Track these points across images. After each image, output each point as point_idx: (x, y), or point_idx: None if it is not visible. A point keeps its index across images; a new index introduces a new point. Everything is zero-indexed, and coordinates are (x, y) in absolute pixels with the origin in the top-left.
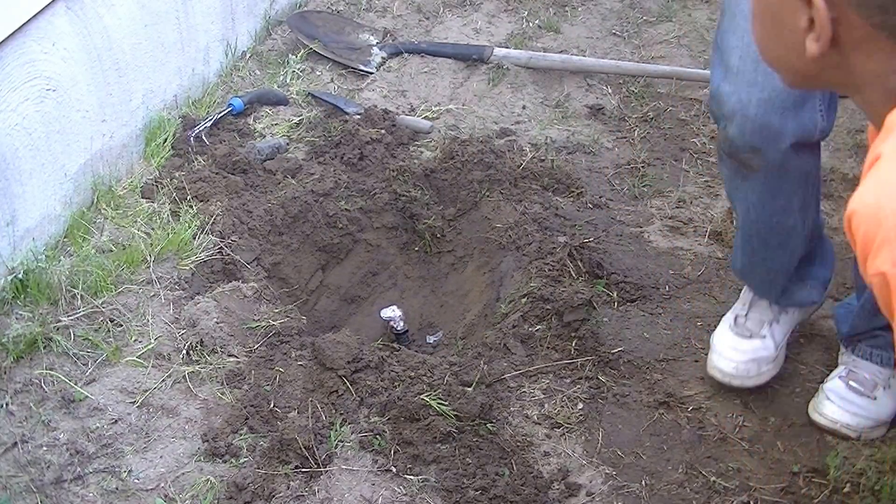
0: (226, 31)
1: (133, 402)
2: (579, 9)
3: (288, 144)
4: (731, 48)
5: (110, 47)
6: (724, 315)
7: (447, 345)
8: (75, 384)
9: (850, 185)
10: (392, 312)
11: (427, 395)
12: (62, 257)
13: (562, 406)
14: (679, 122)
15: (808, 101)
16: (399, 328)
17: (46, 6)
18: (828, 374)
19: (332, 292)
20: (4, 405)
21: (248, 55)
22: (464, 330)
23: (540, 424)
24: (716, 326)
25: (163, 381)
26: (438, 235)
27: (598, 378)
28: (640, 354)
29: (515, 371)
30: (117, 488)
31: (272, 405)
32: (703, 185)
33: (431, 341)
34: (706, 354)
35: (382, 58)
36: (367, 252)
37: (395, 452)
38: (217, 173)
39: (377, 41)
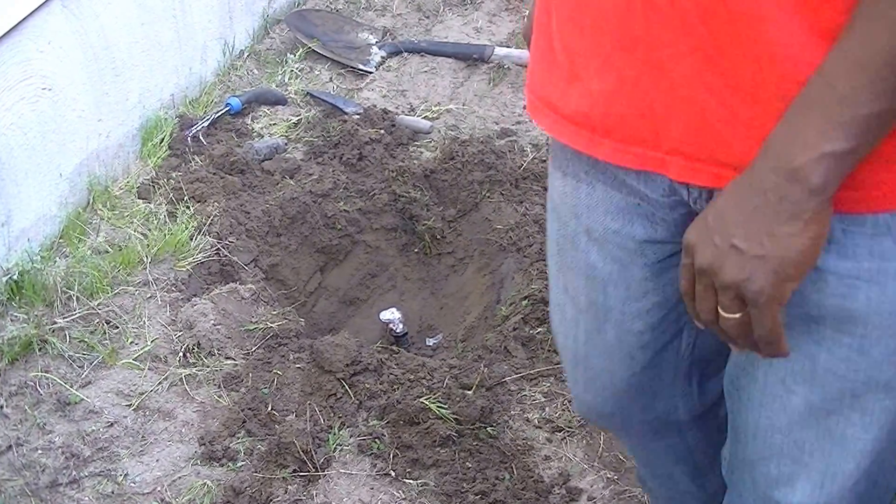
0: (223, 29)
1: (129, 405)
2: None
3: (286, 144)
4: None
5: (107, 46)
6: None
7: (447, 347)
8: (71, 387)
9: None
10: (391, 315)
11: (427, 399)
12: (58, 258)
13: (563, 409)
14: None
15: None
16: (398, 330)
17: (42, 4)
18: None
19: (331, 294)
20: None
21: (246, 54)
22: (464, 332)
23: (541, 428)
24: None
25: (159, 383)
26: (438, 237)
27: None
28: None
29: (516, 374)
30: (113, 492)
31: (270, 408)
32: None
33: (431, 344)
34: None
35: (382, 57)
36: (366, 253)
37: (394, 456)
38: (214, 173)
39: (377, 40)
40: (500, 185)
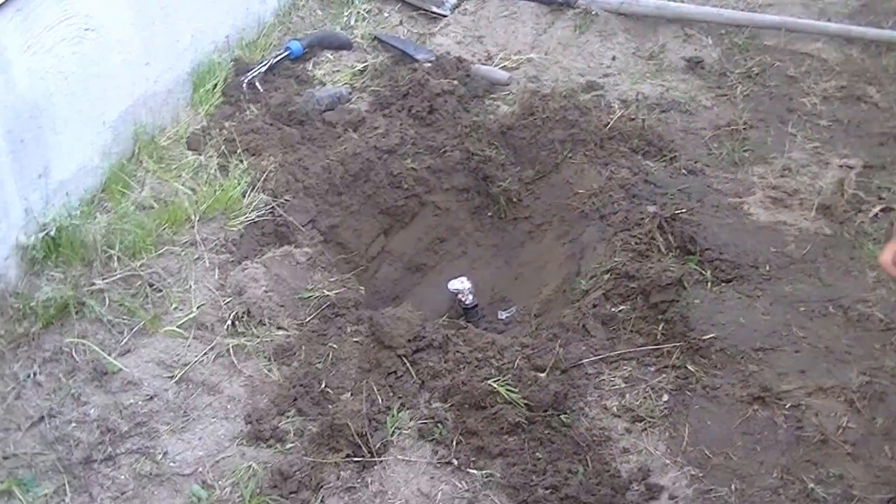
0: None
1: (171, 377)
2: None
3: (350, 94)
4: None
5: None
6: (831, 300)
7: (521, 322)
8: (109, 355)
9: None
10: (461, 284)
11: (495, 381)
12: (98, 214)
13: (645, 397)
14: (787, 80)
15: None
16: (468, 302)
17: None
18: None
19: (395, 259)
20: (32, 375)
21: None
22: (539, 306)
23: (619, 417)
24: (821, 313)
25: (204, 354)
26: (514, 200)
27: (686, 367)
28: (734, 342)
29: (594, 356)
30: (151, 472)
31: (323, 385)
32: (811, 151)
33: (503, 317)
34: (808, 344)
35: None
36: (434, 216)
37: (457, 443)
38: (271, 124)
39: None
40: (584, 144)
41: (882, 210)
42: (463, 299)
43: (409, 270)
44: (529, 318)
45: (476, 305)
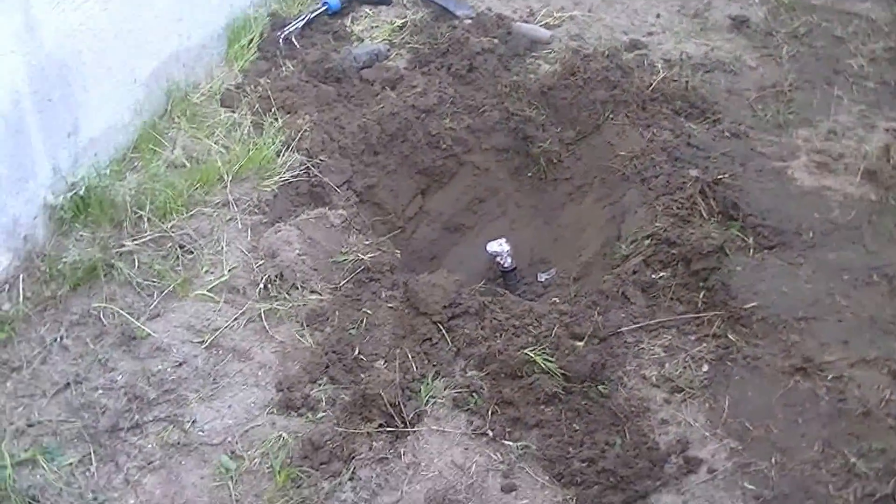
0: None
1: (201, 343)
2: None
3: (388, 51)
4: None
5: None
6: (876, 269)
7: (560, 285)
8: (137, 319)
9: None
10: (499, 247)
11: (532, 350)
12: (128, 173)
13: (684, 367)
14: (834, 40)
15: None
16: (507, 265)
17: None
18: None
19: (433, 220)
20: (59, 339)
21: None
22: (579, 270)
23: (658, 387)
24: (865, 281)
25: (235, 319)
26: (555, 161)
27: (727, 336)
28: (776, 311)
29: (634, 324)
30: (179, 441)
31: (357, 352)
32: (857, 114)
33: (543, 279)
34: (852, 313)
35: None
36: (473, 176)
37: (492, 413)
38: (307, 81)
39: None
40: (626, 105)
41: None
42: (501, 262)
43: (447, 231)
44: (569, 281)
45: (515, 268)
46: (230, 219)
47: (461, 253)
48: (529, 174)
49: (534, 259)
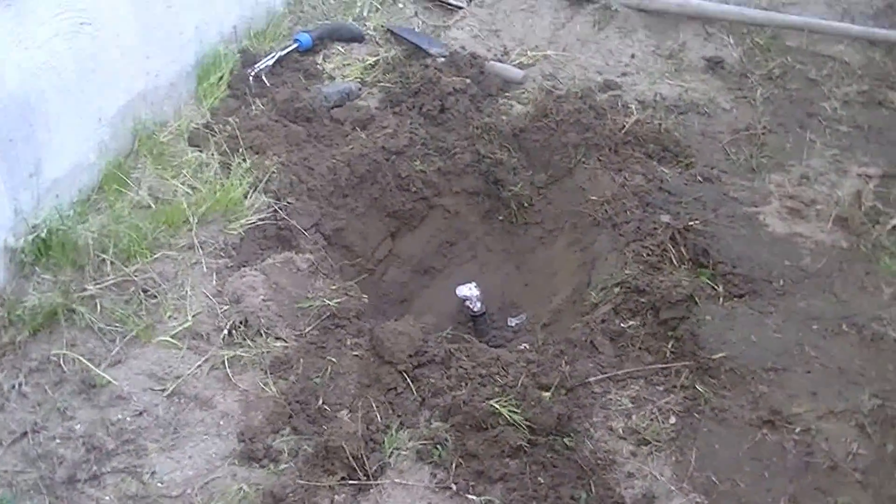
0: None
1: (162, 391)
2: None
3: (360, 90)
4: None
5: None
6: (845, 318)
7: (530, 330)
8: (98, 366)
9: None
10: (469, 291)
11: (497, 401)
12: (92, 214)
13: (651, 419)
14: (808, 83)
15: None
16: (476, 309)
17: None
18: None
19: (403, 263)
20: (17, 386)
21: None
22: (549, 315)
23: (625, 440)
24: (834, 331)
25: (198, 366)
26: (526, 204)
27: (695, 387)
28: (744, 362)
29: (601, 374)
30: (137, 493)
31: (321, 402)
32: (830, 159)
33: (513, 324)
34: (821, 364)
35: None
36: (443, 219)
37: (456, 466)
38: (277, 121)
39: None
40: (598, 149)
41: None
42: (471, 306)
43: (417, 274)
44: (539, 326)
45: (485, 313)
46: (195, 262)
47: (431, 296)
48: (500, 217)
49: (504, 303)
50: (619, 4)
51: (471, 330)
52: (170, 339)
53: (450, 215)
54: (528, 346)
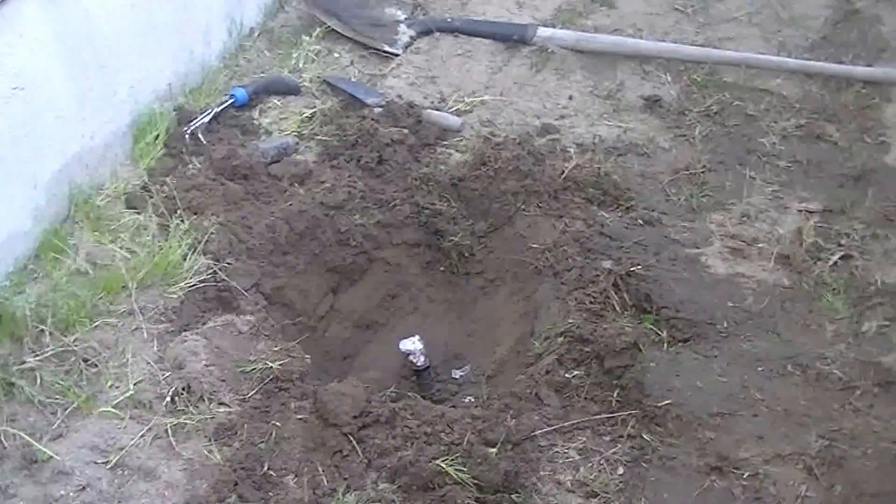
0: (230, 5)
1: (106, 463)
2: None
3: (297, 144)
4: None
5: (90, 34)
6: (790, 358)
7: (474, 383)
8: (39, 440)
9: None
10: (412, 345)
11: (444, 460)
12: (29, 284)
13: (599, 470)
14: (747, 119)
15: None
16: (420, 364)
17: None
18: None
19: (345, 318)
20: None
21: (256, 33)
22: (493, 367)
23: (574, 492)
24: (779, 373)
25: (141, 436)
26: (467, 254)
27: (641, 436)
28: (690, 408)
29: (548, 427)
30: None
31: (266, 467)
32: (770, 195)
33: (458, 376)
34: (766, 407)
35: (410, 37)
36: (384, 272)
37: None
38: (214, 179)
39: (405, 16)
40: (538, 195)
41: (841, 258)
42: (415, 360)
43: (359, 328)
44: (484, 378)
45: (429, 367)
46: (135, 328)
47: (375, 350)
48: (441, 268)
49: (448, 354)
50: (555, 46)
51: (415, 384)
52: (112, 410)
53: (391, 268)
54: (472, 400)
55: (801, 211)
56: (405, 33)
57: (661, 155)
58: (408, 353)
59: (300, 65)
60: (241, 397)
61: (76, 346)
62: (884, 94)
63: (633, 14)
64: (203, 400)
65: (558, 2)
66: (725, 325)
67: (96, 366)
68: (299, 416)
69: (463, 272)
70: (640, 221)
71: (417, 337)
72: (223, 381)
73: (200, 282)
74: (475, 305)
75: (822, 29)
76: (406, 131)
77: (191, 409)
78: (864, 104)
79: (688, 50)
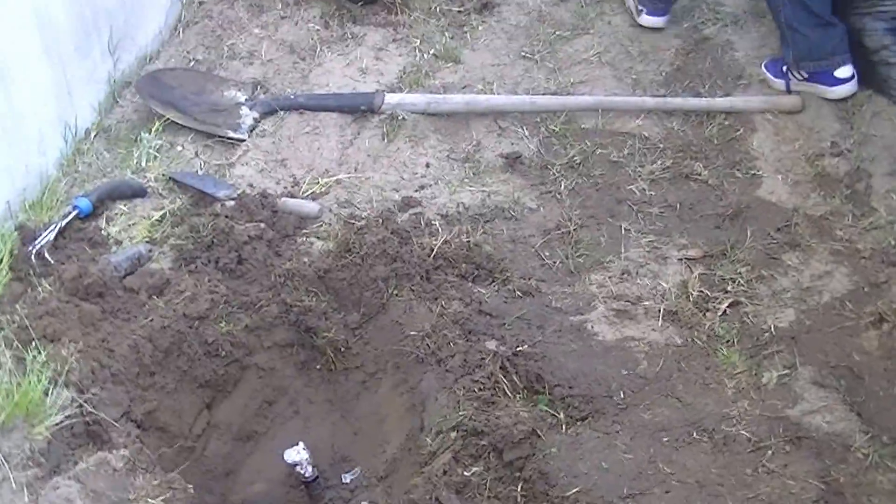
0: (62, 109)
1: None
2: (480, 28)
3: (150, 251)
4: None
5: None
6: (694, 424)
7: (367, 486)
8: None
9: (818, 228)
10: (298, 455)
11: None
12: None
13: None
14: (612, 166)
15: None
16: (308, 475)
17: None
18: (822, 488)
19: (223, 432)
20: None
21: (92, 133)
22: (385, 467)
23: None
24: (685, 441)
25: None
26: (342, 349)
27: None
28: (600, 493)
29: None
30: None
31: None
32: (647, 247)
33: (348, 481)
34: (677, 481)
35: (254, 119)
36: (259, 378)
37: None
38: (67, 301)
39: (246, 98)
40: (409, 278)
41: (730, 305)
42: (302, 471)
43: (239, 441)
44: (375, 480)
45: (317, 477)
46: (3, 479)
47: (258, 462)
48: (318, 367)
49: (335, 458)
50: (405, 112)
51: (305, 495)
52: None
53: (265, 373)
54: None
55: (681, 260)
56: (248, 115)
57: (530, 216)
58: (295, 465)
59: (143, 163)
60: None
61: None
62: (747, 123)
63: (481, 67)
64: None
65: (402, 63)
66: (622, 395)
67: None
68: None
69: (341, 368)
70: (519, 293)
71: (302, 445)
72: None
73: (66, 417)
74: (358, 402)
75: (675, 60)
76: (263, 225)
77: None
78: (728, 136)
79: (542, 101)
